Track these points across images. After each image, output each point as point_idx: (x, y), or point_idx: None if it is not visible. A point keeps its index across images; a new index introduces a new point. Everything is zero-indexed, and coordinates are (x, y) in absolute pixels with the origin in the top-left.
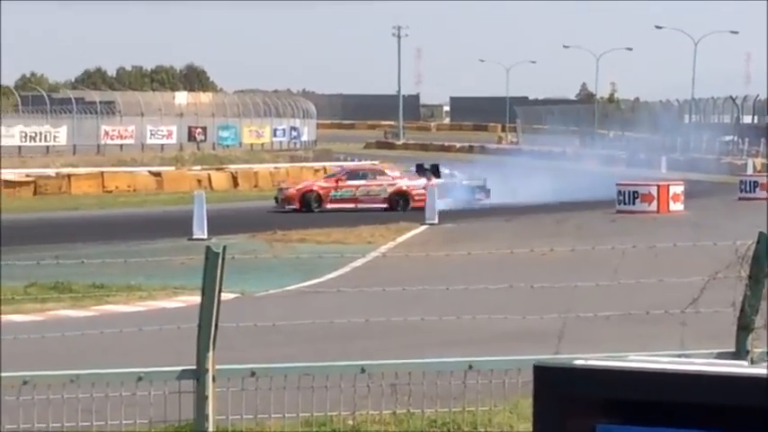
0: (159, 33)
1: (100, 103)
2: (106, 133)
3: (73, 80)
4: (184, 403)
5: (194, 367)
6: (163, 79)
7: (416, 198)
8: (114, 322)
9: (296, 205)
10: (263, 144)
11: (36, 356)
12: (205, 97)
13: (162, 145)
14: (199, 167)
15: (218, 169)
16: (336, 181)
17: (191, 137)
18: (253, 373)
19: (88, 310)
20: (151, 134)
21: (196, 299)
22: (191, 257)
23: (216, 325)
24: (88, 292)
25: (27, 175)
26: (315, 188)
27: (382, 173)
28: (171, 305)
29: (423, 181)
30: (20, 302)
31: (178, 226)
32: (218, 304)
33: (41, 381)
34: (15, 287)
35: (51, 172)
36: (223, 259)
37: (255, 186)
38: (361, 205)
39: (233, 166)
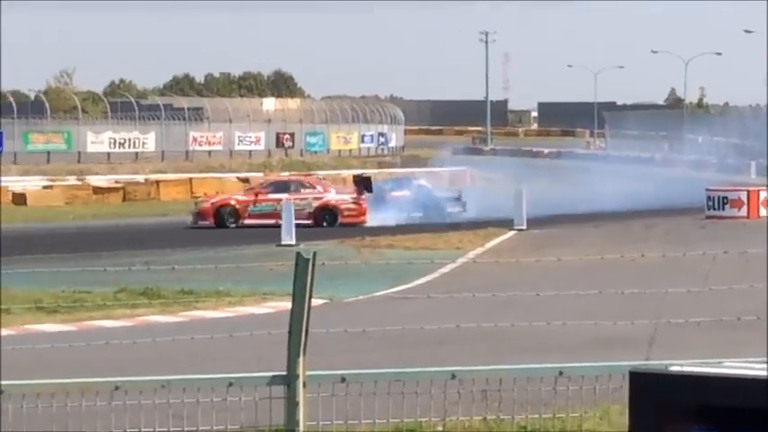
0: (247, 40)
1: (188, 109)
2: (194, 139)
3: (161, 87)
4: (275, 409)
5: (285, 373)
6: (251, 85)
7: (346, 213)
8: (204, 328)
9: (210, 221)
10: (350, 150)
11: (127, 362)
12: (293, 103)
13: (250, 151)
14: (287, 173)
15: (306, 175)
16: (256, 194)
17: (279, 143)
18: (343, 379)
19: (177, 315)
20: (239, 140)
21: (285, 305)
22: (280, 263)
23: (306, 331)
24: (177, 298)
25: (116, 182)
26: (231, 202)
27: (310, 186)
28: (260, 311)
29: (353, 195)
30: (110, 308)
31: (266, 232)
32: (308, 310)
33: (133, 386)
34: (105, 293)
35: (140, 178)
36: (313, 265)
37: None
38: (281, 221)
39: (321, 172)
